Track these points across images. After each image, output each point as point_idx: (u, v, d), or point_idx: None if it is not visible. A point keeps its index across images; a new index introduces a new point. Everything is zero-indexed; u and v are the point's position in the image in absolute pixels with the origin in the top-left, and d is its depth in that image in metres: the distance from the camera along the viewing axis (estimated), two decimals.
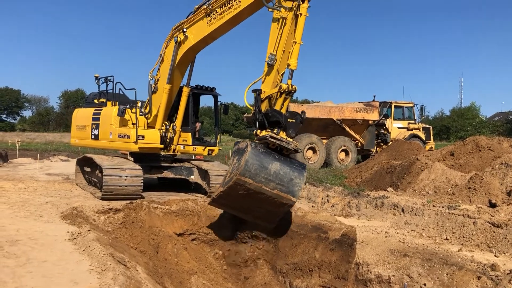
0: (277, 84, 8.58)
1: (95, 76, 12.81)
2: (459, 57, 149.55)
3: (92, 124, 12.86)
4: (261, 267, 9.83)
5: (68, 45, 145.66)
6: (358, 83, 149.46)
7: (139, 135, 11.10)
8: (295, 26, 8.37)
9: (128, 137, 11.17)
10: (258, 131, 8.60)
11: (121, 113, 11.25)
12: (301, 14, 8.23)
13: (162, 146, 11.56)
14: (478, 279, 6.95)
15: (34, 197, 10.41)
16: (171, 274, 8.59)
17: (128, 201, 9.62)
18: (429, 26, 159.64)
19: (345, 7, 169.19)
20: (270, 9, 8.59)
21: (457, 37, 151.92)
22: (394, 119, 26.04)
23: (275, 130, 8.33)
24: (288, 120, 8.41)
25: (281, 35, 8.47)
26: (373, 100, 25.51)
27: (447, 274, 7.47)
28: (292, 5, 8.30)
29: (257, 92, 8.85)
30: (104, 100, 12.86)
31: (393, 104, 26.16)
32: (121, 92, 12.29)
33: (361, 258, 8.86)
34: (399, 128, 25.90)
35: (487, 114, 74.91)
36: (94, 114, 12.91)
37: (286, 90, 8.41)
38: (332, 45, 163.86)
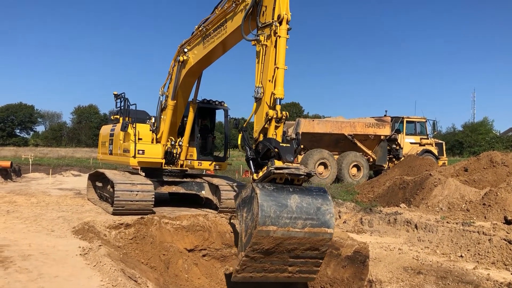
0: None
1: (113, 94, 13.13)
2: (471, 72, 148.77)
3: (109, 140, 13.18)
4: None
5: (82, 61, 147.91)
6: (370, 98, 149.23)
7: (139, 150, 11.34)
8: (276, 50, 7.50)
9: (129, 151, 11.35)
10: (254, 175, 7.36)
11: (124, 128, 11.52)
12: (279, 36, 7.41)
13: (163, 160, 11.66)
14: None
15: (46, 212, 10.47)
16: None
17: (139, 216, 9.63)
18: (441, 41, 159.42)
19: (357, 21, 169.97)
20: (252, 43, 8.00)
21: (469, 51, 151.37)
22: (406, 134, 25.87)
23: (269, 163, 7.07)
24: (281, 144, 7.25)
25: (264, 63, 7.66)
26: (385, 115, 25.43)
27: None
28: (270, 30, 7.56)
29: (243, 129, 8.04)
30: (118, 117, 13.11)
31: (405, 119, 26.02)
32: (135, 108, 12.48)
33: (374, 275, 8.73)
34: (411, 143, 25.71)
35: (500, 129, 74.09)
36: (111, 130, 13.23)
37: (275, 117, 7.30)
38: (344, 60, 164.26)
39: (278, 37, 7.43)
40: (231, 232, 10.36)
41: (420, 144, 25.76)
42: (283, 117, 7.37)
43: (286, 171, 6.89)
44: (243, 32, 8.09)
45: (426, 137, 26.27)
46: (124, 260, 7.31)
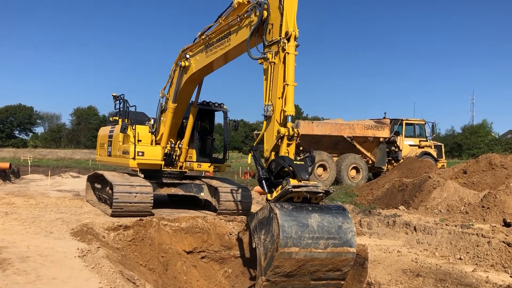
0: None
1: (112, 95, 13.13)
2: (470, 74, 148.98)
3: (108, 141, 13.16)
4: None
5: (81, 62, 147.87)
6: (369, 100, 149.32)
7: (138, 151, 11.34)
8: (285, 67, 7.43)
9: (129, 153, 11.34)
10: (268, 195, 7.16)
11: (123, 130, 11.49)
12: (288, 53, 7.33)
13: (162, 162, 11.65)
14: None
15: (45, 214, 10.45)
16: None
17: (138, 218, 9.61)
18: (440, 43, 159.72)
19: (356, 24, 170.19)
20: (259, 61, 7.85)
21: (468, 54, 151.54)
22: (405, 136, 25.92)
23: (284, 183, 6.89)
24: (295, 162, 7.07)
25: (273, 81, 7.54)
26: (384, 117, 25.47)
27: None
28: (278, 47, 7.47)
29: (252, 148, 7.99)
30: (117, 118, 13.10)
31: (404, 121, 26.06)
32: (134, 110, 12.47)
33: (373, 277, 8.72)
34: (410, 145, 25.76)
35: (499, 132, 74.22)
36: (109, 132, 13.22)
37: (286, 134, 7.14)
38: (343, 62, 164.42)
39: (286, 54, 7.36)
40: (230, 234, 10.35)
41: (419, 146, 25.81)
42: (295, 135, 7.23)
43: (304, 189, 6.70)
44: (249, 52, 8.00)
45: (425, 139, 26.31)
46: (122, 262, 7.29)
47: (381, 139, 24.33)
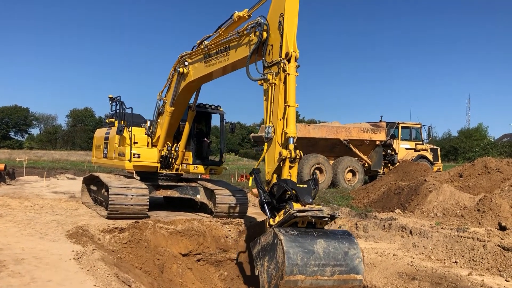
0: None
1: (108, 97, 13.08)
2: (466, 78, 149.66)
3: (104, 143, 13.12)
4: None
5: (78, 64, 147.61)
6: (365, 103, 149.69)
7: (134, 153, 11.30)
8: (285, 88, 7.32)
9: (125, 155, 11.31)
10: (271, 220, 6.96)
11: (119, 132, 11.45)
12: (289, 74, 7.23)
13: (158, 164, 11.62)
14: None
15: (40, 215, 10.40)
16: None
17: (134, 220, 9.58)
18: (436, 46, 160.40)
19: (352, 26, 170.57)
20: (258, 83, 7.80)
21: (464, 58, 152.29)
22: (402, 139, 25.96)
23: (287, 207, 6.68)
24: (298, 185, 6.87)
25: (273, 102, 7.45)
26: (380, 121, 25.52)
27: None
28: (278, 68, 7.37)
29: (254, 171, 7.76)
30: (113, 120, 13.07)
31: (400, 125, 26.11)
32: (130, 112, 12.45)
33: (369, 281, 8.72)
34: (406, 149, 25.80)
35: (495, 135, 74.54)
36: (106, 134, 13.17)
37: (288, 157, 7.00)
38: (339, 65, 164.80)
39: (287, 75, 7.27)
40: (226, 236, 10.34)
41: (415, 150, 25.86)
42: (297, 157, 7.07)
43: (309, 213, 6.49)
44: (249, 74, 7.95)
45: (421, 142, 26.37)
46: (118, 265, 7.26)
47: (377, 142, 24.37)
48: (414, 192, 14.12)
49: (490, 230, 9.95)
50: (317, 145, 22.98)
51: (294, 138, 7.14)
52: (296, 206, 6.57)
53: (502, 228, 10.05)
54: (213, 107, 12.81)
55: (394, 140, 25.60)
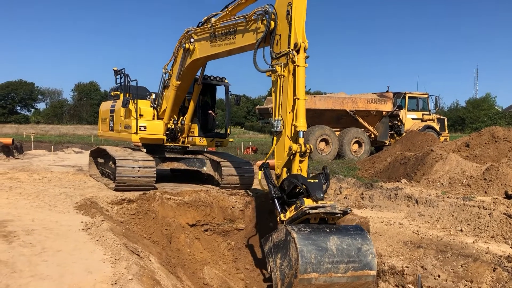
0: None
1: (113, 70, 12.98)
2: (474, 47, 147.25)
3: (110, 116, 13.12)
4: None
5: (82, 37, 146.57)
6: (372, 74, 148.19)
7: (140, 126, 11.29)
8: (294, 80, 7.17)
9: (131, 128, 11.32)
10: (281, 215, 6.88)
11: (125, 104, 11.42)
12: (298, 65, 7.07)
13: (164, 137, 11.63)
14: (494, 271, 6.87)
15: (49, 188, 10.52)
16: (184, 264, 8.64)
17: (141, 192, 9.67)
18: (445, 16, 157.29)
19: None
20: (266, 74, 7.63)
21: (473, 27, 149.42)
22: (408, 110, 25.81)
23: (298, 203, 6.61)
24: (309, 180, 6.77)
25: (282, 95, 7.33)
26: (387, 91, 25.31)
27: (461, 266, 7.40)
28: (287, 59, 7.20)
29: (263, 166, 7.75)
30: (118, 93, 13.04)
31: (407, 95, 25.91)
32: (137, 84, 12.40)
33: (375, 249, 8.81)
34: (413, 119, 25.68)
35: (503, 105, 73.81)
36: (111, 106, 13.16)
37: (298, 151, 6.92)
38: (346, 35, 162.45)
39: (296, 66, 7.09)
40: (233, 207, 10.42)
41: (422, 120, 25.73)
42: (308, 151, 6.96)
43: (322, 210, 6.41)
44: (256, 65, 7.75)
45: (428, 113, 26.20)
46: (126, 235, 7.37)
47: (384, 113, 24.24)
48: (421, 162, 14.09)
49: (496, 198, 9.96)
50: (323, 116, 22.91)
51: (304, 132, 7.05)
52: (307, 201, 6.50)
53: (509, 196, 10.06)
54: (218, 78, 12.70)
55: (401, 111, 25.46)
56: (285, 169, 7.26)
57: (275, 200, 7.12)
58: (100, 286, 4.86)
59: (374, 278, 6.58)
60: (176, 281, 6.84)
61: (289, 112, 7.22)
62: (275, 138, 7.61)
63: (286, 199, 7.01)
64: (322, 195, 6.58)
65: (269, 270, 6.85)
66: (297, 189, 6.84)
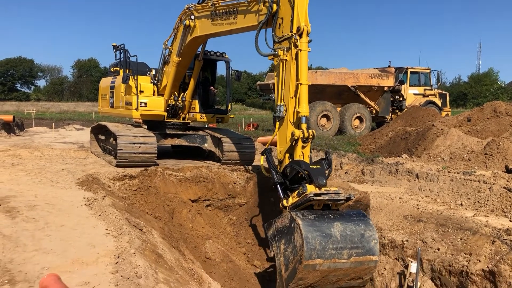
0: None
1: (112, 45, 12.83)
2: (478, 21, 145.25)
3: (110, 92, 13.05)
4: None
5: (81, 14, 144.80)
6: (374, 49, 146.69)
7: (141, 102, 11.21)
8: (297, 65, 7.08)
9: (131, 104, 11.27)
10: (284, 201, 6.91)
11: (125, 80, 11.32)
12: (300, 50, 6.96)
13: (165, 113, 11.59)
14: (492, 244, 6.94)
15: (50, 165, 10.56)
16: (186, 238, 8.73)
17: (143, 168, 9.70)
18: None
19: None
20: (269, 58, 7.53)
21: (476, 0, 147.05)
22: (410, 85, 25.65)
23: (300, 189, 6.61)
24: (312, 166, 6.78)
25: (285, 79, 7.23)
26: (389, 66, 25.09)
27: (461, 239, 7.47)
28: (289, 43, 7.09)
29: (266, 151, 7.76)
30: (118, 69, 12.93)
31: (409, 70, 25.70)
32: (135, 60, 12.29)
33: (375, 223, 8.87)
34: (415, 94, 25.54)
35: (506, 80, 73.29)
36: (111, 83, 13.08)
37: (301, 137, 6.89)
38: (347, 10, 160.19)
39: (299, 51, 6.98)
40: (234, 183, 10.47)
41: (424, 95, 25.60)
42: (310, 136, 6.94)
43: (326, 197, 6.44)
44: (258, 48, 7.63)
45: (430, 88, 26.04)
46: (128, 210, 7.42)
47: (385, 88, 24.09)
48: (422, 137, 14.08)
49: (497, 173, 9.98)
50: (324, 92, 22.77)
51: (306, 117, 7.01)
52: (310, 187, 6.51)
53: (509, 170, 10.08)
54: (218, 54, 12.57)
55: (403, 86, 25.29)
56: (287, 155, 7.25)
57: (278, 185, 7.15)
58: (103, 259, 4.92)
59: (376, 264, 6.70)
60: (179, 255, 6.92)
61: (292, 97, 7.17)
62: (277, 123, 7.57)
63: (288, 185, 7.03)
64: (324, 181, 6.58)
65: (272, 254, 6.91)
66: (300, 175, 6.84)
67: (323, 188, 6.52)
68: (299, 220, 6.20)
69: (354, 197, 7.47)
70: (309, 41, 7.09)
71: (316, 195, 6.38)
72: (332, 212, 6.58)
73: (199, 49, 11.32)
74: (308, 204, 6.55)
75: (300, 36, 6.99)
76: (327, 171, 6.99)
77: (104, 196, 7.42)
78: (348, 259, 6.32)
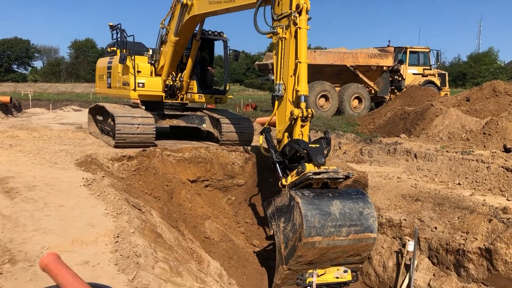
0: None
1: (109, 25, 12.68)
2: (478, 0, 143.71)
3: (107, 73, 12.95)
4: None
5: None
6: (373, 28, 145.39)
7: (139, 82, 11.14)
8: (296, 43, 7.01)
9: (129, 84, 11.20)
10: (283, 180, 6.95)
11: (122, 61, 11.21)
12: (300, 28, 6.88)
13: (163, 94, 11.52)
14: (489, 222, 6.99)
15: (49, 146, 10.54)
16: (185, 218, 8.79)
17: (141, 149, 9.70)
18: None
19: None
20: (267, 36, 7.46)
21: None
22: (409, 65, 25.50)
23: (299, 168, 6.62)
24: (310, 145, 6.77)
25: (284, 58, 7.17)
26: (388, 46, 24.90)
27: (458, 218, 7.53)
28: (289, 21, 7.01)
29: (265, 130, 7.76)
30: (115, 49, 12.80)
31: (408, 50, 25.53)
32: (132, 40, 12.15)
33: (373, 202, 8.93)
34: (414, 74, 25.42)
35: (505, 59, 72.87)
36: (108, 63, 12.96)
37: (300, 116, 6.87)
38: None
39: (298, 29, 6.90)
40: (233, 163, 10.49)
41: (423, 75, 25.47)
42: (309, 115, 6.92)
43: (325, 175, 6.48)
44: (257, 26, 7.52)
45: (429, 67, 25.90)
46: (127, 191, 7.44)
47: (384, 68, 23.95)
48: (420, 117, 14.07)
49: (495, 152, 10.00)
50: (323, 72, 22.64)
51: (305, 96, 6.97)
52: (309, 166, 6.52)
53: (507, 150, 10.10)
54: (215, 33, 12.44)
55: (402, 66, 25.15)
56: (286, 134, 7.25)
57: (277, 164, 7.18)
58: (102, 239, 4.95)
59: (375, 241, 6.76)
60: (178, 235, 6.97)
61: (291, 76, 7.13)
62: (276, 102, 7.55)
63: (287, 164, 7.05)
64: (323, 160, 6.59)
65: (271, 233, 7.01)
66: (299, 154, 6.86)
67: (322, 167, 6.53)
68: (299, 198, 6.26)
69: (353, 175, 7.53)
70: (309, 19, 7.02)
71: (315, 173, 6.41)
72: (331, 191, 6.63)
73: (197, 29, 11.20)
74: (307, 183, 6.60)
75: (300, 13, 6.92)
76: (326, 150, 7.01)
77: (103, 176, 7.43)
78: (346, 237, 6.40)
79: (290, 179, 6.83)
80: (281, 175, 7.06)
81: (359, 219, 6.50)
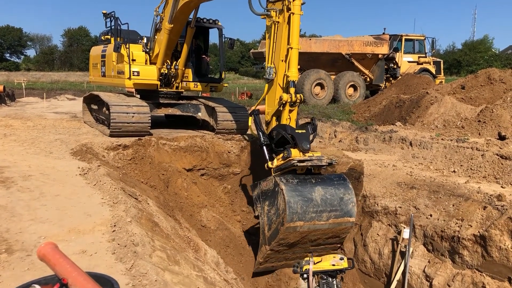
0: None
1: (102, 13, 12.53)
2: None
3: (101, 61, 12.83)
4: None
5: None
6: (368, 15, 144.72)
7: (133, 71, 11.07)
8: (289, 28, 7.04)
9: (124, 73, 11.11)
10: (269, 162, 7.17)
11: (116, 49, 11.13)
12: (293, 13, 6.88)
13: (158, 82, 11.46)
14: (484, 209, 7.04)
15: (43, 135, 10.47)
16: (181, 207, 8.79)
17: (137, 138, 9.67)
18: None
19: None
20: (261, 17, 7.49)
21: None
22: (404, 52, 25.47)
23: (285, 153, 6.85)
24: (297, 131, 6.94)
25: (276, 42, 7.22)
26: (383, 33, 24.84)
27: (453, 205, 7.58)
28: (283, 6, 7.03)
29: (254, 112, 7.83)
30: (109, 37, 12.67)
31: (403, 37, 25.47)
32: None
33: (368, 190, 8.98)
34: (409, 62, 25.40)
35: (500, 47, 72.94)
36: (102, 51, 12.83)
37: (289, 101, 6.98)
38: None
39: (291, 14, 6.91)
40: (228, 152, 10.49)
41: (418, 63, 25.46)
42: (298, 101, 7.04)
43: (309, 163, 6.70)
44: (251, 6, 7.48)
45: (424, 55, 25.87)
46: (123, 180, 7.43)
47: (379, 56, 23.92)
48: (416, 105, 14.09)
49: (490, 140, 10.05)
50: (318, 60, 22.58)
51: (295, 82, 7.09)
52: (294, 152, 6.74)
53: (502, 137, 10.15)
54: (210, 21, 12.34)
55: (397, 54, 25.11)
56: (274, 118, 7.41)
57: (264, 147, 7.42)
58: (99, 228, 4.95)
59: (353, 224, 7.14)
60: (174, 223, 6.98)
61: (282, 61, 7.22)
62: (266, 85, 7.67)
63: (274, 147, 7.27)
64: (308, 145, 6.79)
65: (256, 214, 7.40)
66: (285, 139, 7.02)
67: (307, 154, 6.77)
68: (283, 185, 6.57)
69: (336, 162, 7.84)
70: (303, 4, 7.08)
71: (300, 161, 6.66)
72: (314, 177, 6.96)
73: (191, 16, 11.10)
74: (292, 168, 6.85)
75: None
76: (311, 136, 7.22)
77: (99, 165, 7.40)
78: (327, 221, 6.78)
79: (276, 163, 7.07)
80: (267, 158, 7.28)
81: (339, 204, 6.85)
